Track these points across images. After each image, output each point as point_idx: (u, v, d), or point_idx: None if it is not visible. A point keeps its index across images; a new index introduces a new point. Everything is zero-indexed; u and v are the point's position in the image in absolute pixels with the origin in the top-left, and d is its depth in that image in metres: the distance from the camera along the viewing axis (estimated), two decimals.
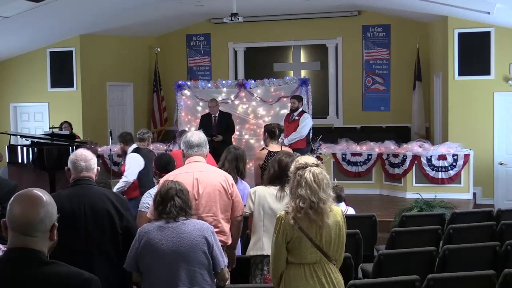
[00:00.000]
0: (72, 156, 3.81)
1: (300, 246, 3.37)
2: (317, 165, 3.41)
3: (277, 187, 4.38)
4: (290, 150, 7.00)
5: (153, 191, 4.80)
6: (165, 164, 5.06)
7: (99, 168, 3.83)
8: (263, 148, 6.82)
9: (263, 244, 4.38)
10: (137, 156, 7.40)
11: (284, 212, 3.45)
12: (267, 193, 4.41)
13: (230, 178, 4.37)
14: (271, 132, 6.76)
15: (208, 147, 4.45)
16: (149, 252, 3.50)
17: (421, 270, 4.49)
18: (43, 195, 2.29)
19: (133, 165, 7.33)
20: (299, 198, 3.34)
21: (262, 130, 10.77)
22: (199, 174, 4.20)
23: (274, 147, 6.65)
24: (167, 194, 3.61)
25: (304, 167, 3.38)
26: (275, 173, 4.41)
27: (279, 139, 6.94)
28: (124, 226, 3.66)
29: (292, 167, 3.46)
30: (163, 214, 3.58)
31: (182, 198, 3.63)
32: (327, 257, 3.40)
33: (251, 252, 4.49)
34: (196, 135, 4.39)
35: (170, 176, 4.17)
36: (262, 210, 4.40)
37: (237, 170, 5.18)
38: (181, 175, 4.17)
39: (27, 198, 2.27)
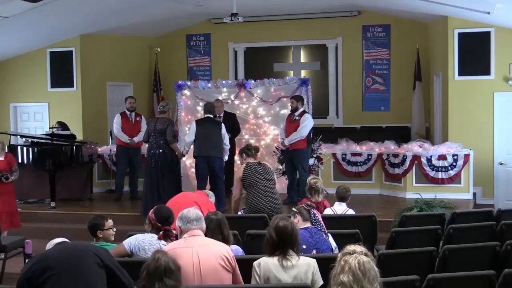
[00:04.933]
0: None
1: None
2: (366, 254, 3.10)
3: (279, 257, 4.13)
4: (267, 163, 7.34)
5: (142, 236, 4.82)
6: (167, 217, 4.88)
7: None
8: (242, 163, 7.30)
9: None
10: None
11: None
12: (271, 264, 4.13)
13: (230, 251, 4.28)
14: (248, 150, 7.27)
15: (205, 222, 4.38)
16: None
17: (421, 270, 4.49)
18: None
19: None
20: (341, 285, 3.02)
21: (262, 130, 10.94)
22: (199, 249, 4.11)
23: (251, 160, 7.17)
24: (155, 272, 3.34)
25: (351, 253, 3.10)
26: (274, 242, 4.16)
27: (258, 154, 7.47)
28: (110, 275, 3.53)
29: (339, 254, 3.18)
30: None
31: (172, 279, 3.35)
32: None
33: None
34: (193, 211, 4.33)
35: (171, 250, 4.00)
36: (269, 282, 4.12)
37: (222, 237, 4.71)
38: (181, 249, 4.08)
39: None
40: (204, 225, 4.31)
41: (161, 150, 8.97)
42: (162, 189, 8.82)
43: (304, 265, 4.12)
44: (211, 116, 9.43)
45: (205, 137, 9.12)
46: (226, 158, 9.45)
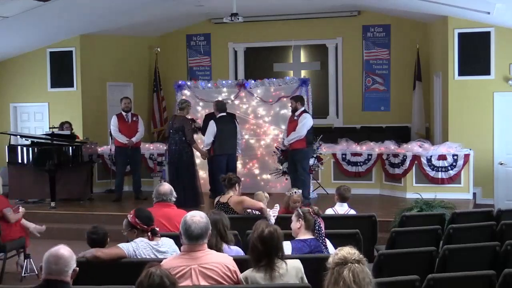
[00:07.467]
0: (45, 255, 3.47)
1: None
2: (358, 262, 3.01)
3: (264, 270, 3.94)
4: (240, 198, 6.44)
5: (134, 244, 4.55)
6: (150, 216, 4.73)
7: (77, 269, 3.49)
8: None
9: None
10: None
11: None
12: (259, 278, 3.94)
13: (232, 263, 3.99)
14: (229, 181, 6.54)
15: (210, 228, 4.00)
16: None
17: (421, 270, 4.48)
18: None
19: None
20: None
21: (262, 130, 10.94)
22: (198, 268, 3.82)
23: (225, 197, 6.48)
24: None
25: (343, 264, 2.99)
26: (259, 251, 3.96)
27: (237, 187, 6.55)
28: None
29: (330, 261, 3.08)
30: None
31: None
32: None
33: None
34: (197, 220, 3.87)
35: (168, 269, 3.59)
36: None
37: (220, 236, 4.52)
38: (178, 269, 3.80)
39: None
40: (206, 239, 3.97)
41: (177, 147, 9.45)
42: (177, 184, 8.39)
43: (292, 269, 4.02)
44: (225, 114, 9.91)
45: (226, 136, 9.75)
46: (240, 151, 10.19)
